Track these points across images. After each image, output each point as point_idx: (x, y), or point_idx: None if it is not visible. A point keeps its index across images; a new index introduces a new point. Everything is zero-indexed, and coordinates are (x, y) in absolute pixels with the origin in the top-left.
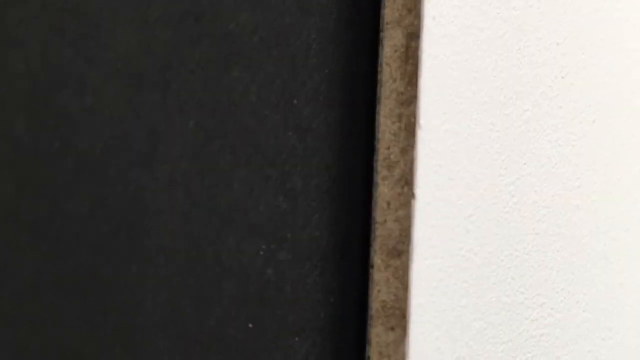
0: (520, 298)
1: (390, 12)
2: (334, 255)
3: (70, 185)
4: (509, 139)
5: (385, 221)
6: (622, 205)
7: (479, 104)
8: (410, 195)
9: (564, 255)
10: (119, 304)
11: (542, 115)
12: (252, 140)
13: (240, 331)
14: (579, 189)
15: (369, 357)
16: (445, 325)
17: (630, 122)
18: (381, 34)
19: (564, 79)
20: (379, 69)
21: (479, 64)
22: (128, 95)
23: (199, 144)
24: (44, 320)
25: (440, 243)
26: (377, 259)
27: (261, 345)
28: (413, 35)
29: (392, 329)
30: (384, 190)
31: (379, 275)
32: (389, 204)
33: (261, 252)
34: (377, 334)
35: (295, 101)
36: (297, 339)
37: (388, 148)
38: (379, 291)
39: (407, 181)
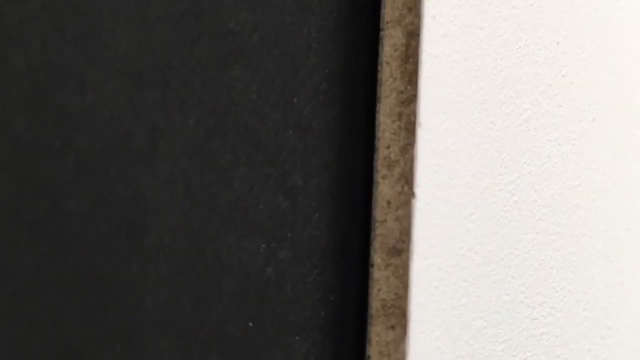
0: (520, 297)
1: (390, 11)
2: (334, 254)
3: (71, 184)
4: (509, 137)
5: (385, 220)
6: (622, 204)
7: (479, 103)
8: (411, 194)
9: (564, 254)
10: (119, 302)
11: (542, 114)
12: (252, 139)
13: (240, 330)
14: (579, 187)
15: (369, 356)
16: (445, 324)
17: (630, 121)
18: (381, 32)
19: (564, 78)
20: (379, 67)
21: (479, 63)
22: (128, 94)
23: (199, 142)
24: (44, 319)
25: (440, 242)
26: (377, 257)
27: (261, 344)
28: (413, 34)
29: (392, 327)
30: (384, 189)
31: (379, 274)
32: (389, 202)
33: (261, 251)
34: (377, 333)
35: (295, 100)
36: (297, 337)
37: (388, 147)
38: (379, 290)
39: (407, 180)
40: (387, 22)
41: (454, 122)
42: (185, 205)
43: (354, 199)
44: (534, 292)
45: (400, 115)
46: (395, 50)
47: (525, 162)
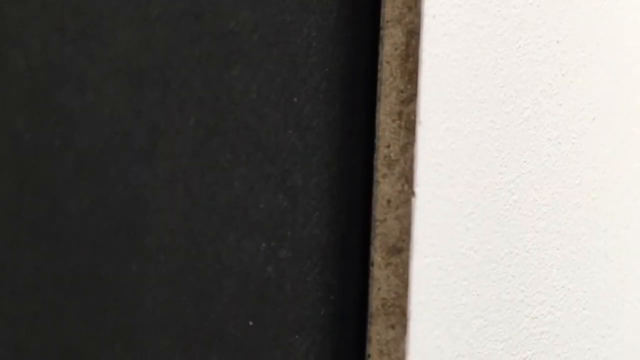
0: (520, 296)
1: (390, 10)
2: (334, 253)
3: (71, 184)
4: (509, 136)
5: (385, 219)
6: (622, 203)
7: (479, 102)
8: (411, 193)
9: (564, 253)
10: (119, 302)
11: (542, 113)
12: (252, 138)
13: (240, 329)
14: (579, 186)
15: (369, 355)
16: (445, 323)
17: (630, 120)
18: (381, 32)
19: (564, 77)
20: (379, 67)
21: (479, 62)
22: (128, 94)
23: (199, 142)
24: (44, 319)
25: (440, 241)
26: (377, 256)
27: (261, 343)
28: (413, 33)
29: (393, 326)
30: (384, 188)
31: (379, 273)
32: (389, 201)
33: (261, 250)
34: (378, 331)
35: (295, 99)
36: (297, 336)
37: (388, 146)
38: (379, 289)
39: (407, 179)
40: (387, 21)
41: (454, 121)
42: (185, 204)
43: (354, 198)
44: (534, 291)
45: (400, 114)
46: (396, 49)
47: (525, 161)
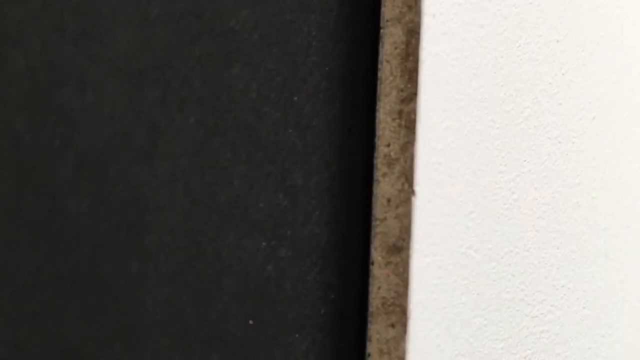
0: (520, 295)
1: (390, 9)
2: (334, 252)
3: (71, 184)
4: (509, 136)
5: (385, 218)
6: (622, 203)
7: (479, 101)
8: (411, 192)
9: (564, 252)
10: (119, 302)
11: (542, 112)
12: (253, 137)
13: (240, 328)
14: (579, 186)
15: (369, 354)
16: (445, 322)
17: (630, 119)
18: (381, 31)
19: (564, 76)
20: (379, 66)
21: (479, 61)
22: (128, 93)
23: (199, 141)
24: (45, 319)
25: (440, 240)
26: (378, 256)
27: (261, 342)
28: (413, 33)
29: (393, 326)
30: (384, 187)
31: (379, 272)
32: (389, 201)
33: (261, 249)
34: (378, 331)
35: (295, 98)
36: (297, 335)
37: (388, 145)
38: (379, 288)
39: (407, 178)
40: (387, 20)
41: (454, 120)
42: (186, 204)
43: (354, 197)
44: (534, 290)
45: (400, 113)
46: (396, 48)
47: (525, 160)
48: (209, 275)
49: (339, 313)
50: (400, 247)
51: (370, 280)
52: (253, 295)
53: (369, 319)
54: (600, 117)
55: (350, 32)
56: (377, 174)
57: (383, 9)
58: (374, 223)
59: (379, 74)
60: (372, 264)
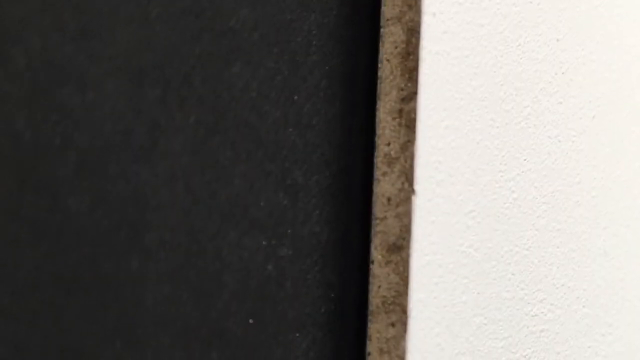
0: (520, 294)
1: (390, 8)
2: (334, 251)
3: (71, 182)
4: (509, 135)
5: (385, 217)
6: (622, 201)
7: (479, 100)
8: (411, 191)
9: (564, 251)
10: (119, 300)
11: (542, 111)
12: (253, 136)
13: (240, 327)
14: (579, 185)
15: (369, 353)
16: (445, 321)
17: (630, 118)
18: (381, 30)
19: (563, 75)
20: (379, 65)
21: (479, 60)
22: (129, 92)
23: (199, 140)
24: (45, 317)
25: (440, 239)
26: (378, 254)
27: (261, 340)
28: (413, 32)
29: (393, 324)
30: (384, 186)
31: (380, 271)
32: (389, 200)
33: (262, 248)
34: (378, 329)
35: (295, 97)
36: (297, 334)
37: (388, 144)
38: (379, 287)
39: (407, 177)
40: (387, 20)
41: (454, 119)
42: (186, 202)
43: (354, 196)
44: (534, 289)
45: (400, 112)
46: (396, 47)
47: (525, 159)
48: (209, 274)
49: (339, 312)
50: (401, 246)
51: (371, 279)
52: (253, 294)
53: (369, 317)
54: (600, 116)
55: (351, 31)
56: (377, 173)
57: (383, 8)
58: (374, 222)
59: (379, 73)
60: (372, 262)
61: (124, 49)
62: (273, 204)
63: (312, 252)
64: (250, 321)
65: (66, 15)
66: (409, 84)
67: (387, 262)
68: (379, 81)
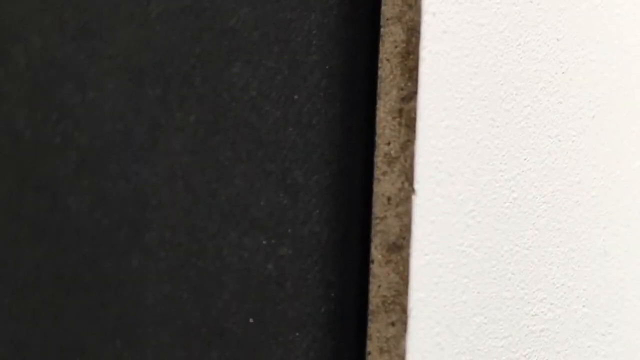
0: (520, 293)
1: (390, 7)
2: (334, 250)
3: (72, 181)
4: (509, 134)
5: (385, 216)
6: (622, 201)
7: (479, 100)
8: (411, 190)
9: (564, 251)
10: (119, 298)
11: (542, 111)
12: (253, 135)
13: (240, 326)
14: (579, 184)
15: (369, 353)
16: (445, 320)
17: (630, 118)
18: (381, 29)
19: (564, 75)
20: (379, 64)
21: (479, 59)
22: (129, 91)
23: (199, 139)
24: (45, 315)
25: (440, 238)
26: (378, 254)
27: (262, 340)
28: (413, 31)
29: (393, 324)
30: (384, 186)
31: (380, 270)
32: (389, 199)
33: (262, 248)
34: (378, 329)
35: (295, 97)
36: (297, 334)
37: (388, 144)
38: (379, 286)
39: (407, 177)
40: (387, 19)
41: (454, 118)
42: (186, 201)
43: (354, 195)
44: (534, 288)
45: (400, 111)
46: (396, 47)
47: (525, 159)
48: (209, 273)
49: (339, 311)
50: (401, 246)
51: (371, 278)
52: (253, 293)
53: (369, 317)
54: (600, 115)
55: (351, 30)
56: (377, 173)
57: (383, 8)
58: (374, 221)
59: (379, 73)
60: (372, 262)
61: (124, 49)
62: (273, 203)
63: (312, 252)
64: (251, 320)
65: (66, 14)
66: (409, 84)
67: (387, 262)
68: (379, 81)
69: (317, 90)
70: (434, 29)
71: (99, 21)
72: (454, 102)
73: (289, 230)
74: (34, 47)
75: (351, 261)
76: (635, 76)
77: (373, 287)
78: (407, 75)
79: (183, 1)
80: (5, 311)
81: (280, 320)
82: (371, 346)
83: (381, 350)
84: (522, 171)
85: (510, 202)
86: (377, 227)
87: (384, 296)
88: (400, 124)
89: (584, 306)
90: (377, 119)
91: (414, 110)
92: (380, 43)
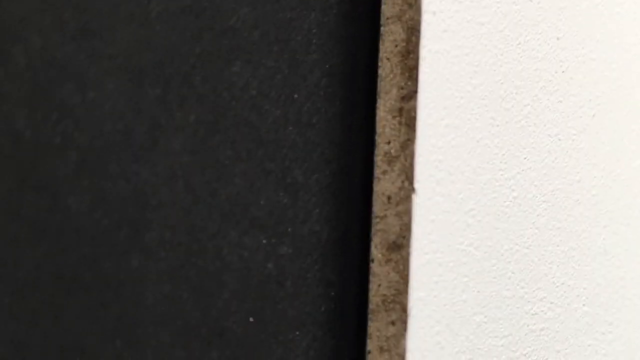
0: (521, 292)
1: (390, 7)
2: (334, 249)
3: (72, 181)
4: (509, 133)
5: (385, 215)
6: (622, 200)
7: (479, 99)
8: (411, 189)
9: (564, 250)
10: (119, 298)
11: (542, 110)
12: (253, 135)
13: (240, 325)
14: (579, 183)
15: (369, 352)
16: (445, 319)
17: (630, 117)
18: (382, 28)
19: (564, 74)
20: (379, 63)
21: (479, 58)
22: (129, 91)
23: (199, 138)
24: (45, 315)
25: (440, 237)
26: (378, 253)
27: (262, 339)
28: (413, 30)
29: (393, 323)
30: (384, 185)
31: (380, 269)
32: (389, 198)
33: (262, 247)
34: (378, 328)
35: (295, 96)
36: (297, 333)
37: (388, 143)
38: (379, 285)
39: (407, 176)
40: (387, 18)
41: (454, 117)
42: (186, 201)
43: (354, 194)
44: (534, 287)
45: (400, 110)
46: (396, 46)
47: (525, 158)
48: (209, 272)
49: (339, 310)
50: (401, 245)
51: (371, 277)
52: (253, 293)
53: (369, 316)
54: (600, 114)
55: (351, 29)
56: (377, 172)
57: (383, 7)
58: (374, 220)
59: (379, 72)
60: (372, 261)
61: (124, 49)
62: (273, 202)
63: (312, 251)
64: (251, 320)
65: (66, 14)
66: (409, 83)
67: (387, 261)
68: (379, 80)
69: (317, 89)
70: (434, 28)
71: (99, 21)
72: (454, 101)
73: (289, 229)
74: (34, 47)
75: (351, 260)
76: (635, 75)
77: (373, 286)
78: (407, 74)
79: (183, 1)
80: (5, 311)
81: (281, 319)
82: (371, 345)
83: (381, 349)
84: (522, 170)
85: (511, 201)
86: (377, 226)
87: (384, 295)
88: (400, 123)
89: (584, 305)
90: (377, 117)
91: (414, 109)
92: (380, 42)
